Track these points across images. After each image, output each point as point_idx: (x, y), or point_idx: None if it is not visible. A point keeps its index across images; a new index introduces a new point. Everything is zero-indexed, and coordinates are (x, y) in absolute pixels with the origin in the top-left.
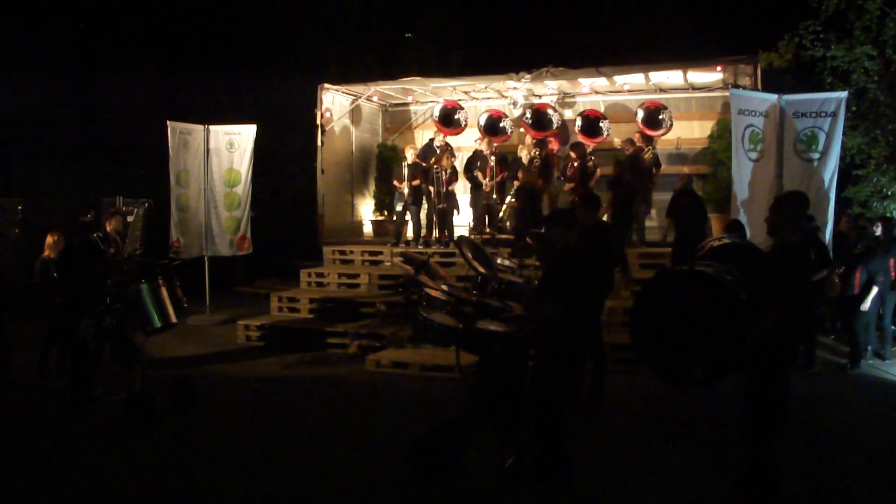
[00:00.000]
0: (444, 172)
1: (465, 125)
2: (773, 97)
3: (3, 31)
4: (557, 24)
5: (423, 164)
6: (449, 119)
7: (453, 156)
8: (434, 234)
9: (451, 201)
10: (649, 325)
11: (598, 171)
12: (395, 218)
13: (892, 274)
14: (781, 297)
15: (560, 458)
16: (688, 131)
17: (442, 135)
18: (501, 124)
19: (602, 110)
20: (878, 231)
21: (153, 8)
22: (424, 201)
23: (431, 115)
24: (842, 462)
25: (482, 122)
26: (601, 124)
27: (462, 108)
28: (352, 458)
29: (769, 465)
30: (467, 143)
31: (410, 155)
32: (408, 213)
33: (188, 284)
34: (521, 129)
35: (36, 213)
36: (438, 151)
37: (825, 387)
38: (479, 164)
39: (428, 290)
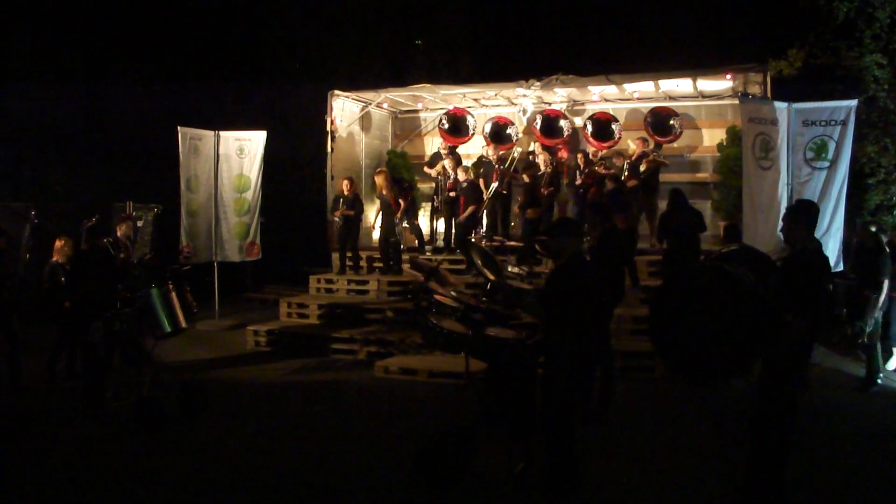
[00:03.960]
0: (450, 179)
1: (473, 133)
2: (783, 105)
3: (14, 37)
4: (567, 31)
5: (431, 172)
6: (456, 127)
7: (459, 163)
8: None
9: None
10: (670, 323)
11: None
12: (405, 224)
13: None
14: (809, 304)
15: (569, 465)
16: (697, 139)
17: (444, 142)
18: (507, 131)
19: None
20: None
21: (164, 14)
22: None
23: (439, 123)
24: (849, 471)
25: (487, 130)
26: (612, 127)
27: (472, 116)
28: (360, 463)
29: (778, 470)
30: (476, 149)
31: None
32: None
33: (197, 290)
34: (533, 136)
35: (46, 217)
36: (444, 158)
37: (836, 395)
38: (482, 170)
39: (437, 297)
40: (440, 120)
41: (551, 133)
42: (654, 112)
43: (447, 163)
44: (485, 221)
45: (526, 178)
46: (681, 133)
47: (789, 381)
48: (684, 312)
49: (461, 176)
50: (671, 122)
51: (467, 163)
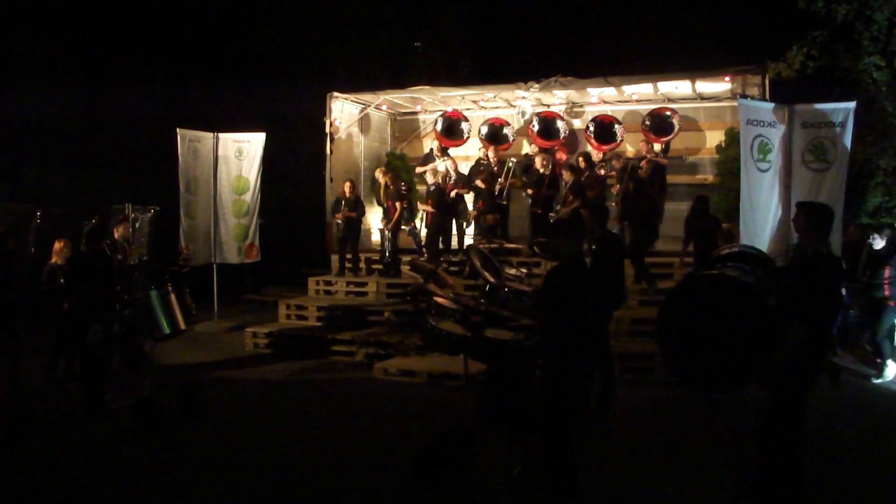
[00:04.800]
0: (451, 180)
1: (468, 136)
2: (782, 107)
3: (13, 39)
4: (566, 33)
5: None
6: (451, 130)
7: (455, 164)
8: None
9: (455, 210)
10: (677, 332)
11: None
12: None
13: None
14: (816, 308)
15: (567, 467)
16: (696, 141)
17: (439, 143)
18: (504, 131)
19: None
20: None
21: (163, 16)
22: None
23: (434, 126)
24: (849, 472)
25: (483, 132)
26: (615, 129)
27: (466, 120)
28: (359, 465)
29: (794, 476)
30: (473, 151)
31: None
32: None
33: (196, 292)
34: (530, 138)
35: (45, 219)
36: (437, 160)
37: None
38: (480, 171)
39: (437, 299)
40: (436, 121)
41: (548, 135)
42: (653, 114)
43: (448, 163)
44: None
45: (481, 184)
46: (680, 128)
47: (799, 387)
48: (692, 321)
49: (429, 178)
50: (670, 119)
51: (464, 165)
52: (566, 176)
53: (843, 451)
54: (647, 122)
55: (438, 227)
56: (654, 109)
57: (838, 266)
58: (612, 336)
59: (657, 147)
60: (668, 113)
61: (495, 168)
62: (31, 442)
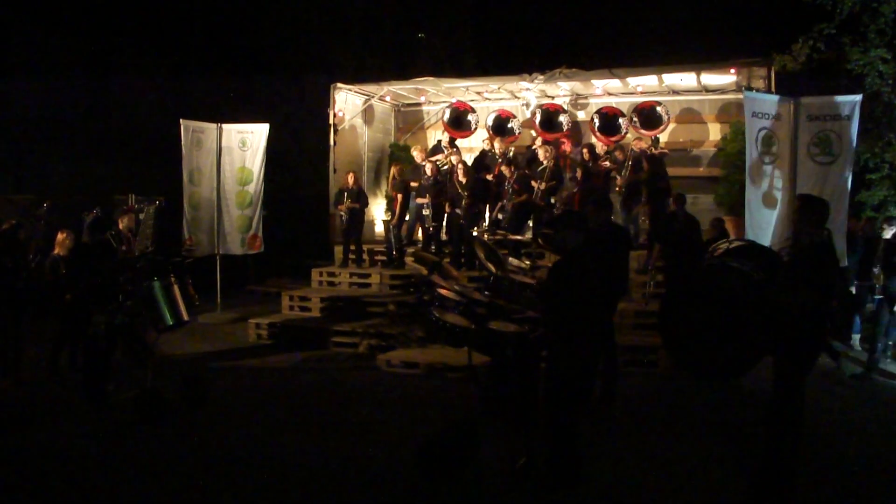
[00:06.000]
0: (455, 171)
1: (475, 127)
2: (787, 100)
3: (18, 31)
4: (571, 25)
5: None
6: (459, 121)
7: (459, 155)
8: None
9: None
10: (679, 319)
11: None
12: (407, 218)
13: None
14: (814, 291)
15: (571, 459)
16: (701, 133)
17: (447, 135)
18: (510, 125)
19: None
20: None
21: (166, 7)
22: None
23: (441, 117)
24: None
25: (490, 123)
26: (619, 121)
27: (473, 111)
28: (362, 457)
29: (790, 464)
30: (478, 143)
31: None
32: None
33: (199, 283)
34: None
35: (52, 210)
36: (446, 151)
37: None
38: (486, 163)
39: (440, 291)
40: (444, 112)
41: (550, 127)
42: (639, 109)
43: (453, 158)
44: (487, 215)
45: (462, 178)
46: (669, 118)
47: (802, 377)
48: (693, 309)
49: (428, 170)
50: (657, 111)
51: (469, 157)
52: (506, 171)
53: (842, 450)
54: (635, 119)
55: (440, 218)
56: (639, 105)
57: (833, 254)
58: (616, 329)
59: (644, 143)
60: (655, 106)
61: (499, 160)
62: (34, 432)
